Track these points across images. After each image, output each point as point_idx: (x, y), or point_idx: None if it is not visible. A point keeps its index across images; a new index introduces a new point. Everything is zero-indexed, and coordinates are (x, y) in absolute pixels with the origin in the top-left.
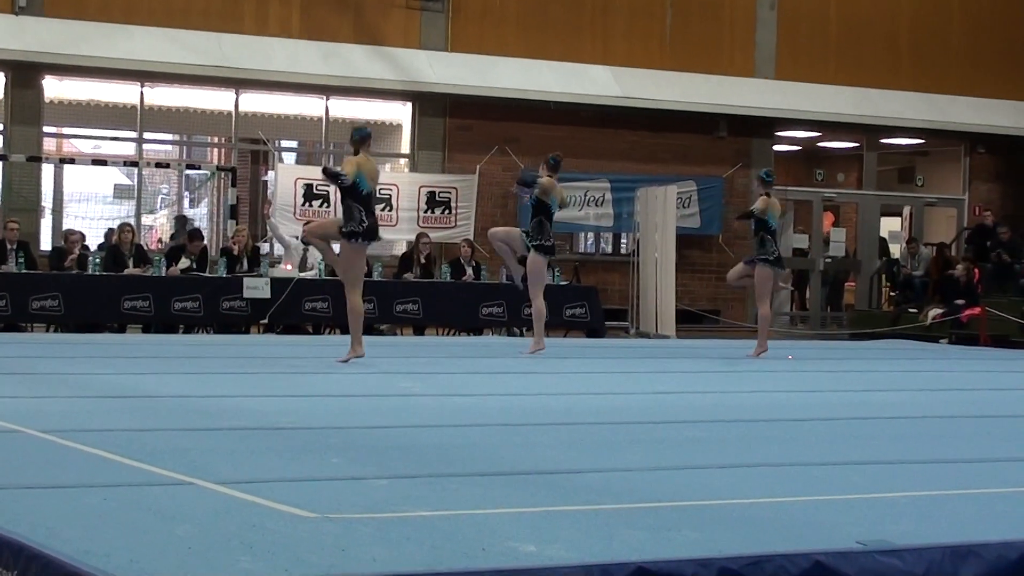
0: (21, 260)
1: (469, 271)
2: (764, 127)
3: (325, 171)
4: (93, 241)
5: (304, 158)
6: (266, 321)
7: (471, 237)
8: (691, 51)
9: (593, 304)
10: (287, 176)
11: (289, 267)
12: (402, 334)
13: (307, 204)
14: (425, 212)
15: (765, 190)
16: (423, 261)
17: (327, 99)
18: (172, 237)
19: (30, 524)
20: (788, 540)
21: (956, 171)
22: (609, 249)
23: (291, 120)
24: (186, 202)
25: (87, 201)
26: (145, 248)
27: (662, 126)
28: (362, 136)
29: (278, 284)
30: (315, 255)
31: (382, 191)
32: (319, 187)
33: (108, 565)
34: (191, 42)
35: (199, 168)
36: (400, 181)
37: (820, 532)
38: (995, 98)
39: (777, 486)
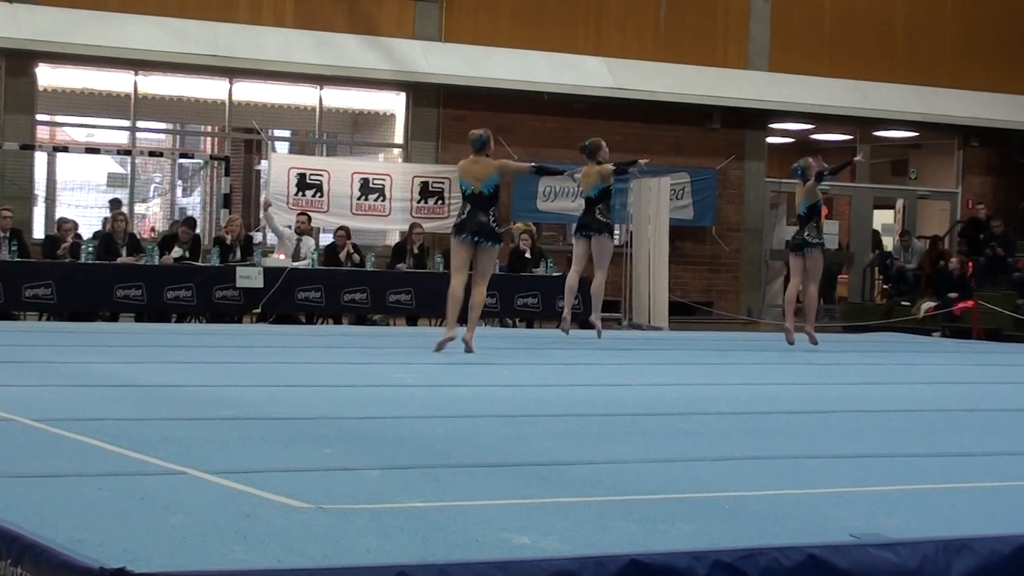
0: (14, 248)
1: None
2: (757, 119)
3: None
4: (86, 230)
5: (297, 147)
6: (259, 310)
7: None
8: (685, 43)
9: (585, 295)
10: (280, 165)
11: (282, 257)
12: (395, 324)
13: (300, 194)
14: (418, 202)
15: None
16: (416, 252)
17: (321, 89)
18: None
19: (23, 513)
20: (782, 533)
21: (949, 164)
22: None
23: (285, 109)
24: (179, 191)
25: (80, 189)
26: (138, 237)
27: (656, 118)
28: (474, 144)
29: (271, 274)
30: (308, 244)
31: (375, 181)
32: (312, 176)
33: (101, 554)
34: (185, 31)
35: (192, 157)
36: (393, 171)
37: (814, 525)
38: (989, 91)
39: (771, 479)
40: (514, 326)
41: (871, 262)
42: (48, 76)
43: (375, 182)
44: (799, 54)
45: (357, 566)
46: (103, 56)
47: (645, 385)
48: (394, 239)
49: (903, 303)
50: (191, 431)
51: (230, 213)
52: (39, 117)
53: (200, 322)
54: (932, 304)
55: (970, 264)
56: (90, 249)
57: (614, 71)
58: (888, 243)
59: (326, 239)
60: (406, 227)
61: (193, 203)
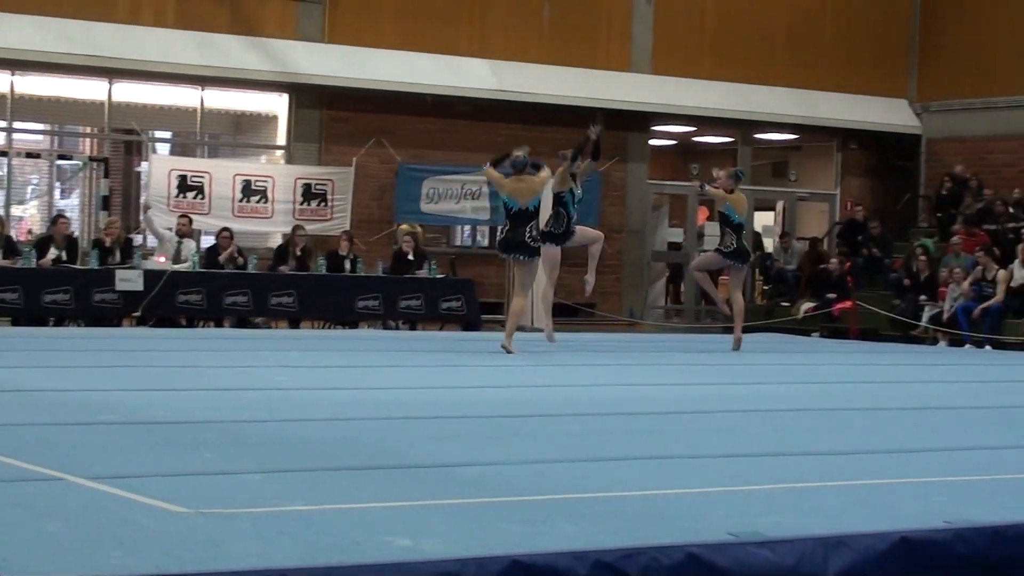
0: None
1: (348, 264)
2: (640, 121)
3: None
4: None
5: (178, 149)
6: (139, 314)
7: (347, 228)
8: (568, 45)
9: (469, 297)
10: (161, 167)
11: (163, 259)
12: (277, 327)
13: (181, 195)
14: (301, 204)
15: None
16: (299, 254)
17: (202, 89)
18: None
19: None
20: (661, 532)
21: (828, 166)
22: (486, 242)
23: (165, 110)
24: (57, 193)
25: None
26: (15, 240)
27: (539, 120)
28: (516, 165)
29: (151, 277)
30: (189, 247)
31: (257, 183)
32: (193, 178)
33: None
34: (63, 30)
35: (71, 158)
36: (276, 173)
37: (693, 524)
38: (867, 94)
39: (650, 479)
40: (397, 328)
41: (752, 263)
42: None
43: (257, 184)
44: (681, 57)
45: (237, 570)
46: None
47: (527, 387)
48: (276, 241)
49: (783, 304)
50: (68, 436)
51: (109, 215)
52: None
53: (78, 326)
54: (811, 305)
55: (849, 264)
56: None
57: (497, 73)
58: (769, 244)
59: (207, 241)
60: (289, 229)
61: (72, 205)
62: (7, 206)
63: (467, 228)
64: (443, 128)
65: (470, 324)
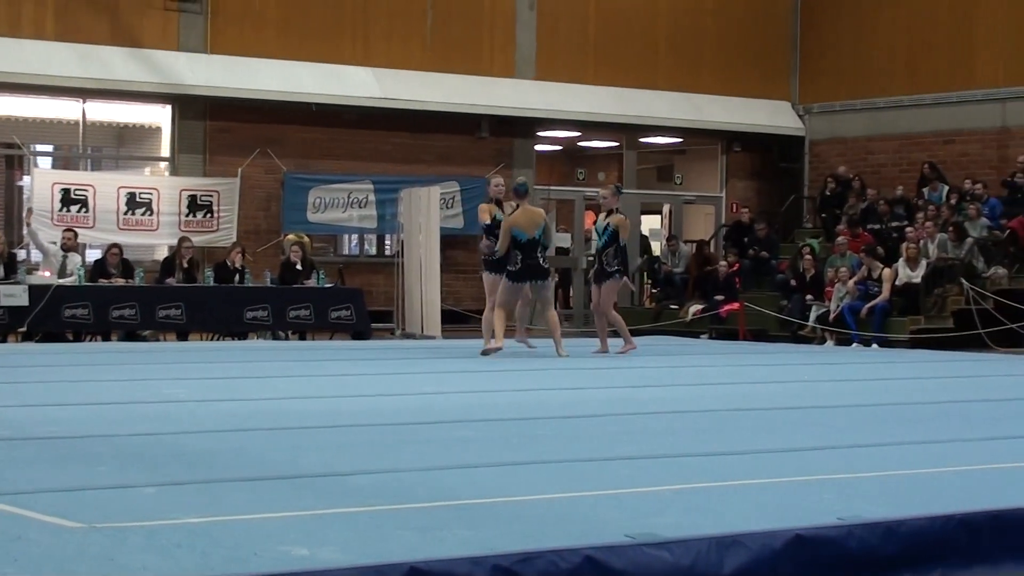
0: None
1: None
2: (525, 127)
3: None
4: None
5: (61, 162)
6: (24, 329)
7: (235, 239)
8: (452, 52)
9: (358, 306)
10: (43, 181)
11: (48, 274)
12: (165, 340)
13: (65, 209)
14: (187, 216)
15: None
16: (186, 266)
17: (84, 102)
18: None
19: None
20: (558, 536)
21: (713, 169)
22: (373, 251)
23: (46, 123)
24: None
25: None
26: None
27: (424, 127)
28: (519, 191)
29: (36, 291)
30: (74, 261)
31: (142, 195)
32: (77, 191)
33: None
34: None
35: None
36: (160, 185)
37: (590, 527)
38: (750, 97)
39: (546, 483)
40: (287, 338)
41: (639, 267)
42: None
43: (142, 196)
44: (565, 62)
45: None
46: None
47: (420, 394)
48: (163, 254)
49: (671, 306)
50: None
51: None
52: None
53: None
54: (699, 307)
55: (736, 266)
56: None
57: (381, 81)
58: (656, 247)
59: (93, 255)
60: (175, 241)
61: None
62: None
63: (354, 237)
64: (328, 137)
65: (360, 333)
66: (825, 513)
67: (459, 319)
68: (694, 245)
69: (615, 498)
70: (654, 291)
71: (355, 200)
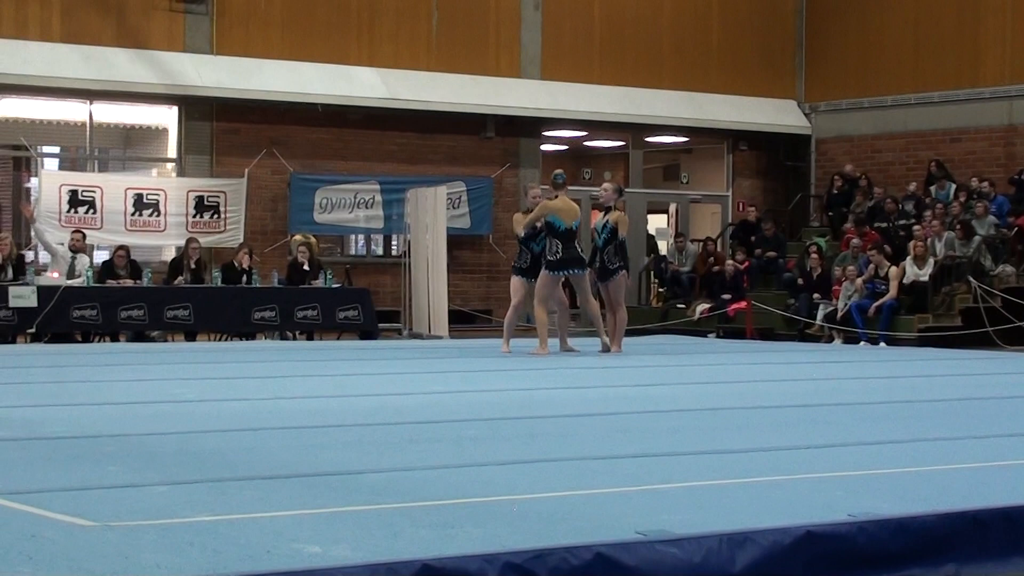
0: None
1: (245, 276)
2: (531, 127)
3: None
4: None
5: (68, 164)
6: (33, 330)
7: (242, 240)
8: (457, 52)
9: (366, 306)
10: (51, 182)
11: (56, 275)
12: (173, 340)
13: (73, 211)
14: (194, 217)
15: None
16: (193, 267)
17: (91, 103)
18: None
19: None
20: (569, 533)
21: (719, 168)
22: (380, 251)
23: (54, 125)
24: None
25: None
26: None
27: (430, 127)
28: (557, 181)
29: (45, 292)
30: (83, 262)
31: (149, 196)
32: (84, 193)
33: None
34: None
35: None
36: (167, 186)
37: (601, 524)
38: (756, 96)
39: (557, 480)
40: (294, 339)
41: (646, 266)
42: None
43: (149, 197)
44: (570, 62)
45: None
46: None
47: (428, 393)
48: (170, 254)
49: (679, 305)
50: None
51: (0, 232)
52: None
53: None
54: (707, 306)
55: (744, 265)
56: None
57: (387, 81)
58: (663, 247)
59: (101, 256)
60: (182, 242)
61: None
62: None
63: (361, 237)
64: (335, 137)
65: (367, 333)
66: (836, 510)
67: (466, 319)
68: (701, 244)
69: (625, 495)
70: (661, 290)
71: (361, 200)
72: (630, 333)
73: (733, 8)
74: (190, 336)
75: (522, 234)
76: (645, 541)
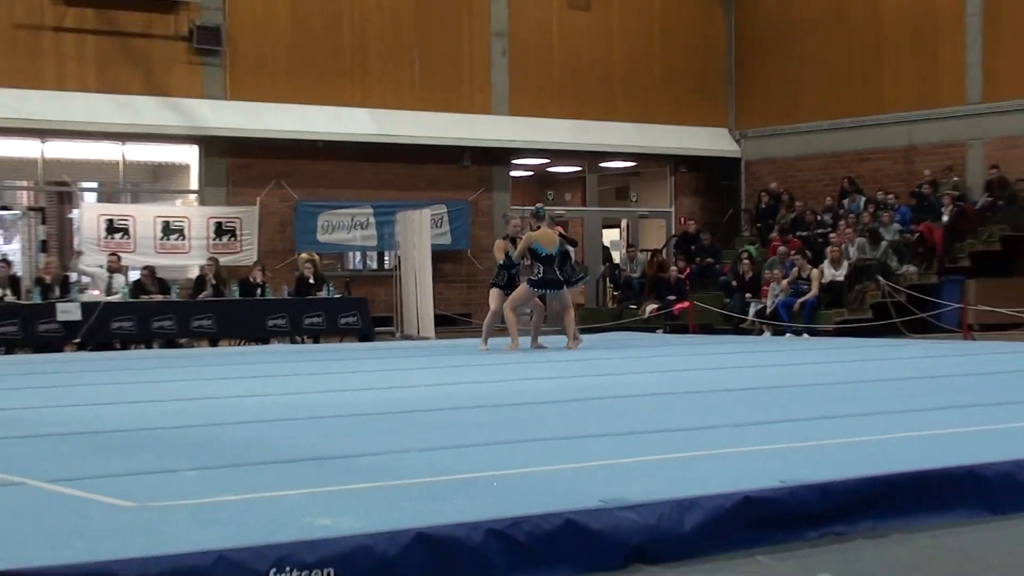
0: None
1: (259, 290)
2: (502, 156)
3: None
4: None
5: (105, 197)
6: (79, 340)
7: (256, 259)
8: (437, 93)
9: (363, 313)
10: (91, 213)
11: (96, 293)
12: (199, 346)
13: (110, 236)
14: (214, 240)
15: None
16: (214, 282)
17: (123, 144)
18: None
19: None
20: (543, 503)
21: (664, 188)
22: (375, 265)
23: (92, 164)
24: (0, 239)
25: None
26: None
27: (415, 158)
28: (538, 214)
29: (88, 307)
30: (119, 281)
31: (175, 223)
32: (119, 221)
33: None
34: None
35: (11, 209)
36: (191, 214)
37: (569, 494)
38: (693, 125)
39: (530, 458)
40: (303, 342)
41: (603, 273)
42: None
43: (175, 224)
44: (534, 100)
45: (181, 553)
46: None
47: (419, 386)
48: (195, 272)
49: (631, 306)
50: (28, 447)
51: (47, 257)
52: None
53: (26, 353)
54: (655, 306)
55: (686, 271)
56: None
57: (377, 120)
58: (616, 256)
59: (135, 275)
60: (205, 262)
61: (13, 250)
62: None
63: (358, 254)
64: (334, 169)
65: (365, 336)
66: (769, 477)
67: (449, 322)
68: (649, 253)
69: (589, 470)
70: (615, 293)
71: (358, 223)
72: (591, 331)
73: (673, 49)
74: (213, 342)
75: (502, 261)
76: (607, 508)
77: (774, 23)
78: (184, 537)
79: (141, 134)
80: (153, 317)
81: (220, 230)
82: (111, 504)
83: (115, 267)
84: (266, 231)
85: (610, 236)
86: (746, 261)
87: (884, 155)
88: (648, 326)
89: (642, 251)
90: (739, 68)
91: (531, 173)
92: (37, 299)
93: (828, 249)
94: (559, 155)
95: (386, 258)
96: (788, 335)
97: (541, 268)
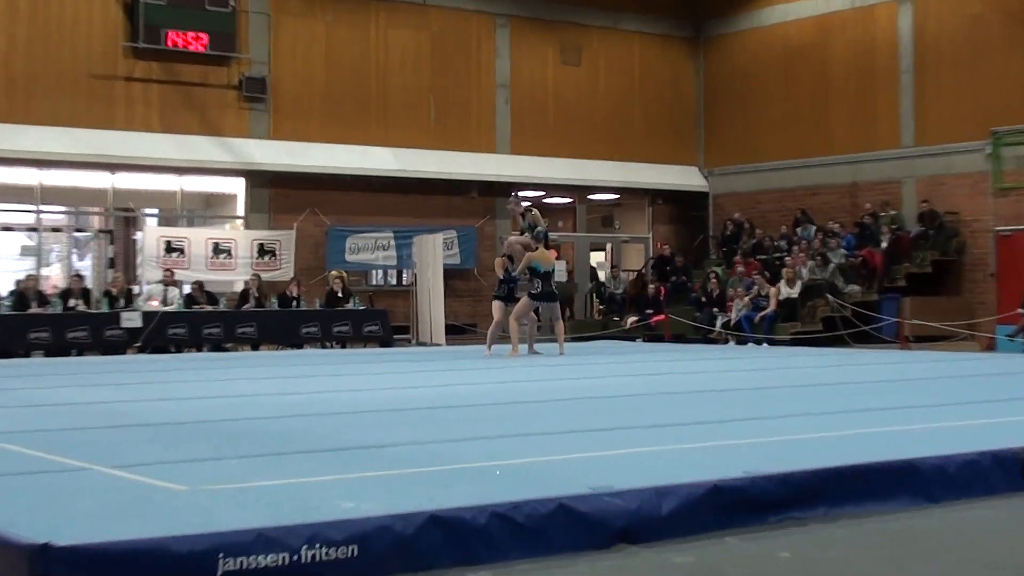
0: None
1: (295, 302)
2: (504, 189)
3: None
4: (4, 289)
5: (164, 221)
6: (139, 344)
7: (293, 275)
8: (449, 134)
9: (384, 323)
10: (152, 235)
11: (155, 303)
12: (242, 350)
13: (167, 255)
14: (257, 259)
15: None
16: (256, 295)
17: (180, 176)
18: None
19: None
20: (539, 489)
21: (643, 217)
22: (395, 282)
23: (153, 193)
24: (75, 257)
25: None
26: (44, 292)
27: (430, 190)
28: (539, 236)
29: (147, 316)
30: (174, 293)
31: (223, 244)
32: (176, 242)
33: (30, 533)
34: (77, 136)
35: (84, 231)
36: (237, 237)
37: (562, 482)
38: (668, 163)
39: (529, 450)
40: (332, 347)
41: (590, 290)
42: None
43: (224, 245)
44: (532, 140)
45: (227, 531)
46: (12, 157)
47: (431, 386)
48: (240, 287)
49: (614, 319)
50: (96, 436)
51: (115, 272)
52: None
53: (94, 355)
54: (635, 318)
55: (662, 288)
56: (8, 303)
57: (398, 157)
58: (602, 275)
59: (188, 289)
60: (248, 277)
61: (86, 266)
62: (38, 268)
63: (380, 272)
64: (360, 199)
65: (386, 342)
66: (735, 468)
67: (458, 331)
68: (631, 273)
69: (580, 460)
70: (601, 307)
71: (380, 245)
72: (579, 339)
73: (650, 98)
74: (255, 347)
75: (502, 275)
76: (595, 494)
77: (737, 76)
78: (231, 518)
79: (196, 168)
80: (203, 325)
81: (262, 250)
82: (167, 487)
83: (170, 281)
84: (302, 251)
85: (597, 258)
86: (714, 280)
87: (831, 190)
88: (629, 336)
89: (624, 271)
90: (707, 114)
91: (529, 204)
92: (105, 308)
93: (784, 270)
94: (553, 188)
95: (404, 275)
96: (750, 344)
97: (539, 283)
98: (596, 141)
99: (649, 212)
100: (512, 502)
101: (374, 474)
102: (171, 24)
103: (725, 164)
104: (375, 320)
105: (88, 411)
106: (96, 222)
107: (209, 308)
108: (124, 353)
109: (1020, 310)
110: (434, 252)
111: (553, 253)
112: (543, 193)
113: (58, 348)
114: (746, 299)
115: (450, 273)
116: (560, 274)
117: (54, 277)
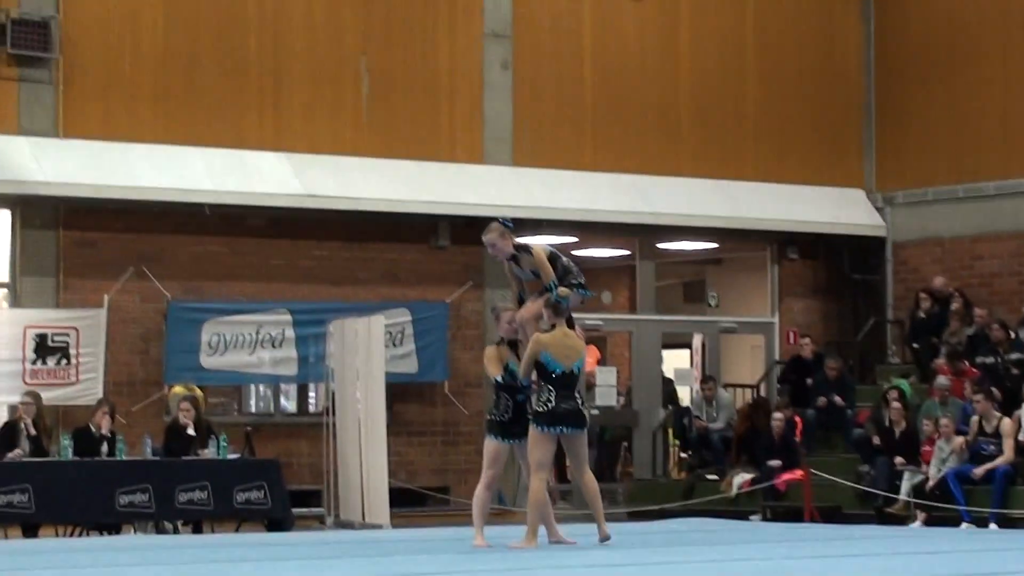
0: None
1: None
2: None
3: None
4: None
5: None
6: None
7: (102, 396)
8: (397, 130)
9: (274, 484)
10: None
11: None
12: (7, 536)
13: None
14: (34, 363)
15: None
16: (33, 433)
17: None
18: None
19: None
20: None
21: (761, 284)
22: (292, 407)
23: None
24: None
25: None
26: None
27: (361, 234)
28: (558, 307)
29: None
30: None
31: None
32: None
33: None
34: None
35: None
36: None
37: None
38: (808, 184)
39: None
40: (176, 531)
41: (663, 422)
42: None
43: None
44: (552, 142)
45: None
46: None
47: None
48: (2, 417)
49: (708, 476)
50: None
51: None
52: None
53: None
54: (748, 477)
55: (798, 420)
56: None
57: (300, 171)
58: (685, 395)
59: None
60: (16, 399)
61: None
62: None
63: (266, 388)
64: (228, 250)
65: (277, 522)
66: None
67: (415, 500)
68: (738, 391)
69: None
70: (684, 455)
71: (266, 337)
72: (647, 516)
73: (777, 69)
74: (29, 530)
75: (498, 377)
76: None
77: (938, 34)
78: None
79: None
80: None
81: (44, 347)
82: None
83: None
84: (118, 349)
85: (674, 361)
86: (896, 404)
87: None
88: (737, 509)
89: (726, 387)
90: (882, 99)
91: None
92: None
93: None
94: (592, 229)
95: (311, 395)
96: (964, 525)
97: (552, 393)
98: (675, 143)
99: (773, 274)
100: None
101: None
102: None
103: (915, 185)
104: (257, 480)
105: None
106: None
107: None
108: None
109: None
110: (368, 351)
111: (581, 338)
112: (574, 240)
113: None
114: (957, 440)
115: (400, 390)
116: (605, 392)
117: None
